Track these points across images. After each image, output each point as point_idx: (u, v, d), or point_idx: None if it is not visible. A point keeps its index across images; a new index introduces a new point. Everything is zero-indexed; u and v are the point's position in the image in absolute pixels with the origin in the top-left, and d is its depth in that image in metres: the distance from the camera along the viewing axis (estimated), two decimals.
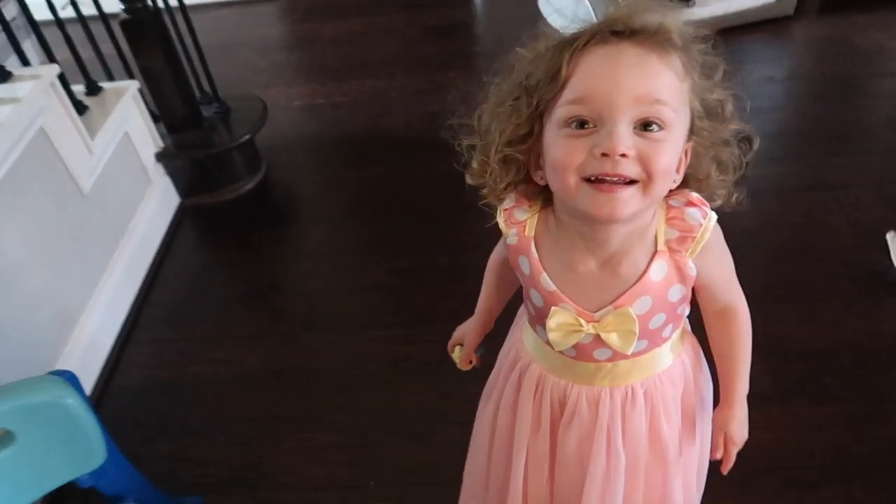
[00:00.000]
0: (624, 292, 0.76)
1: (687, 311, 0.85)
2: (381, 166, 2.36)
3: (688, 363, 0.89)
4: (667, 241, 0.75)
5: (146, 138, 2.12)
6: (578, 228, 0.75)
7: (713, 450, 0.90)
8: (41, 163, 1.64)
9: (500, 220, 0.81)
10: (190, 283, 2.00)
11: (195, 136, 2.21)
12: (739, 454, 1.43)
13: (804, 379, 1.51)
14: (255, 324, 1.85)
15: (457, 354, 1.04)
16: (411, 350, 1.69)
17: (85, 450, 1.01)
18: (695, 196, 0.75)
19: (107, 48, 2.14)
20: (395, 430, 1.52)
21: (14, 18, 1.87)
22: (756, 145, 0.76)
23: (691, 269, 0.75)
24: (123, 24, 2.01)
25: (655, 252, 0.75)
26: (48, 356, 1.58)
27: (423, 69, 2.88)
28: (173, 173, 2.21)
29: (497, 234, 0.85)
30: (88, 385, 1.68)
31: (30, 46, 1.98)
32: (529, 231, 0.79)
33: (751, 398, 1.54)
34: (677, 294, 0.78)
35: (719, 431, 0.89)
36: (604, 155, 0.64)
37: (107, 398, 1.69)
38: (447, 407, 1.52)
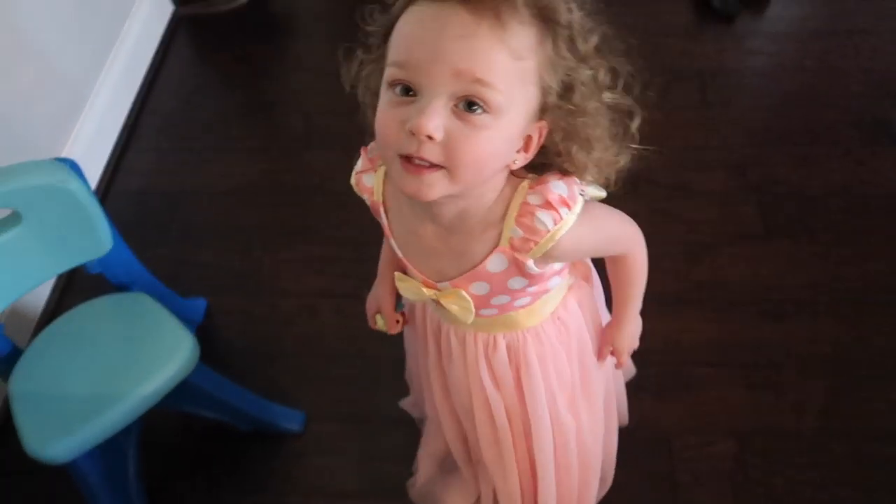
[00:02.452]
0: (460, 274, 0.73)
1: (556, 283, 0.81)
2: None
3: (567, 319, 0.85)
4: (510, 239, 0.69)
5: None
6: None
7: (599, 357, 0.92)
8: None
9: (353, 182, 0.78)
10: (187, 94, 1.96)
11: None
12: (720, 287, 1.50)
13: (791, 219, 1.55)
14: (255, 138, 1.84)
15: (381, 323, 0.96)
16: None
17: (91, 236, 1.05)
18: (555, 195, 0.67)
19: None
20: None
21: None
22: (637, 122, 0.68)
23: (531, 269, 0.71)
24: None
25: (497, 245, 0.70)
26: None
27: None
28: None
29: None
30: None
31: None
32: (377, 196, 0.76)
33: (736, 235, 1.59)
34: (519, 284, 0.74)
35: (606, 344, 0.91)
36: (412, 133, 0.58)
37: (108, 202, 1.72)
38: None
